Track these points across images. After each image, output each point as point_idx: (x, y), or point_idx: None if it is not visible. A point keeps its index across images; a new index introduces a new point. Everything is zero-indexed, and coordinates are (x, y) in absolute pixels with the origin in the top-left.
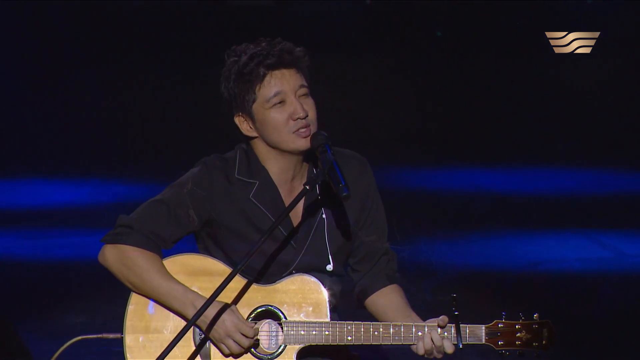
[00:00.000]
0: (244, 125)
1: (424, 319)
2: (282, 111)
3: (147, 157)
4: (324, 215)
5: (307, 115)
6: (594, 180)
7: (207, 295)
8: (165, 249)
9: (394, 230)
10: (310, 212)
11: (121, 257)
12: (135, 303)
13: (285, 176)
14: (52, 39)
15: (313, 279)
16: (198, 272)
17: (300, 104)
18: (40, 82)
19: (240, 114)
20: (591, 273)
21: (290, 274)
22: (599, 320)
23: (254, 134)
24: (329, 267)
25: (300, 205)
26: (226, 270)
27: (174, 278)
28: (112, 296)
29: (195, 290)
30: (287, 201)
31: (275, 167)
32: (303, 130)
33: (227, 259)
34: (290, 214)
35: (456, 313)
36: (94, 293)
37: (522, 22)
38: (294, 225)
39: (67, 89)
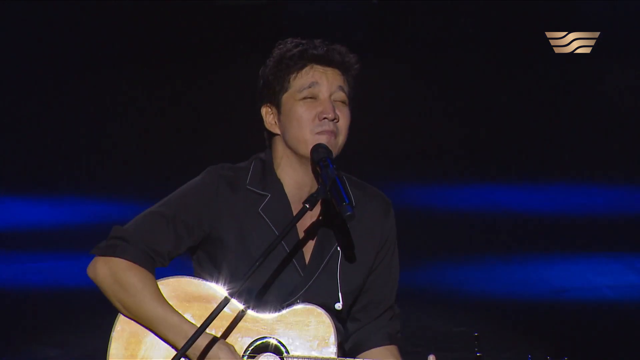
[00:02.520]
0: (269, 117)
1: (438, 352)
2: (311, 107)
3: (127, 173)
4: (339, 248)
5: (336, 120)
6: (627, 198)
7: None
8: (162, 266)
9: None
10: (324, 239)
11: (114, 273)
12: (121, 328)
13: (300, 192)
14: (22, 51)
15: (320, 310)
16: (192, 298)
17: (333, 106)
18: (8, 97)
19: (268, 104)
20: (624, 301)
21: (295, 303)
22: (632, 354)
23: (277, 130)
24: (338, 306)
25: (314, 229)
26: (222, 295)
27: (169, 304)
28: (89, 328)
29: (189, 317)
30: (299, 222)
31: (291, 179)
32: (327, 135)
33: (224, 282)
34: (301, 238)
35: (479, 354)
36: (69, 324)
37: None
38: (304, 251)
39: (38, 101)
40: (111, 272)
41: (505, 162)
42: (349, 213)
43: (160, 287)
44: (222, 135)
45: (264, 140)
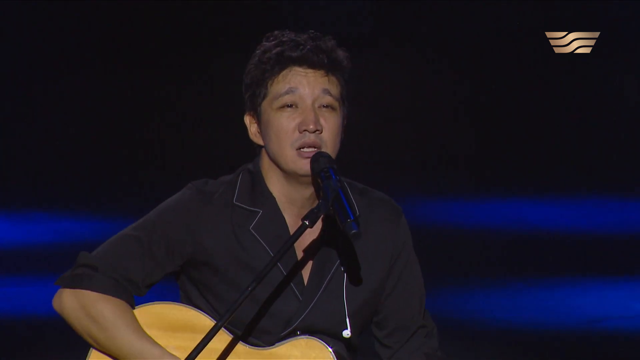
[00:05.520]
0: (252, 127)
1: None
2: (290, 117)
3: (103, 185)
4: (341, 266)
5: (318, 131)
6: None
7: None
8: (137, 295)
9: None
10: (324, 257)
11: (82, 306)
12: None
13: (293, 207)
14: None
15: (321, 344)
16: (176, 327)
17: (316, 115)
18: None
19: (250, 112)
20: None
21: (293, 335)
22: None
23: (260, 142)
24: (346, 333)
25: (315, 248)
26: (212, 325)
27: (148, 335)
28: None
29: (172, 350)
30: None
31: (281, 193)
32: (307, 149)
33: (213, 311)
34: (300, 258)
35: None
36: (38, 358)
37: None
38: (303, 273)
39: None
40: (80, 305)
41: (533, 174)
42: (354, 231)
43: (140, 314)
44: (207, 142)
45: (252, 146)
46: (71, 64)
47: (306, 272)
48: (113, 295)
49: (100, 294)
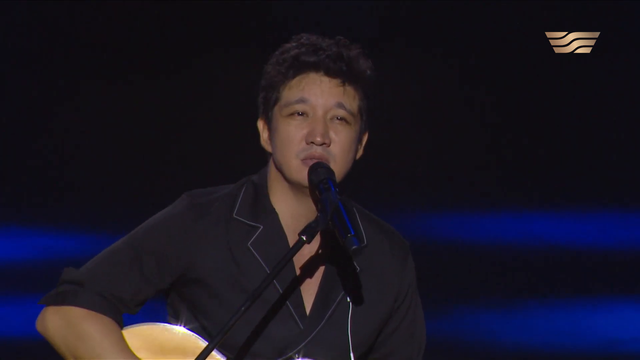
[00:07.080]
0: (264, 134)
1: None
2: (299, 126)
3: (86, 197)
4: (347, 296)
5: (325, 144)
6: None
7: None
8: (128, 313)
9: None
10: (329, 283)
11: (68, 323)
12: None
13: (297, 224)
14: None
15: None
16: (166, 350)
17: (326, 126)
18: None
19: (263, 116)
20: None
21: (293, 359)
22: None
23: (270, 149)
24: None
25: (316, 269)
26: (203, 347)
27: (136, 356)
28: None
29: None
30: (297, 259)
31: (285, 208)
32: (312, 161)
33: (203, 331)
34: (300, 279)
35: None
36: None
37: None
38: (304, 296)
39: None
40: (64, 322)
41: (547, 185)
42: (355, 247)
43: (127, 336)
44: (201, 151)
45: (240, 152)
46: (41, 67)
47: (307, 297)
48: (100, 313)
49: (86, 311)
